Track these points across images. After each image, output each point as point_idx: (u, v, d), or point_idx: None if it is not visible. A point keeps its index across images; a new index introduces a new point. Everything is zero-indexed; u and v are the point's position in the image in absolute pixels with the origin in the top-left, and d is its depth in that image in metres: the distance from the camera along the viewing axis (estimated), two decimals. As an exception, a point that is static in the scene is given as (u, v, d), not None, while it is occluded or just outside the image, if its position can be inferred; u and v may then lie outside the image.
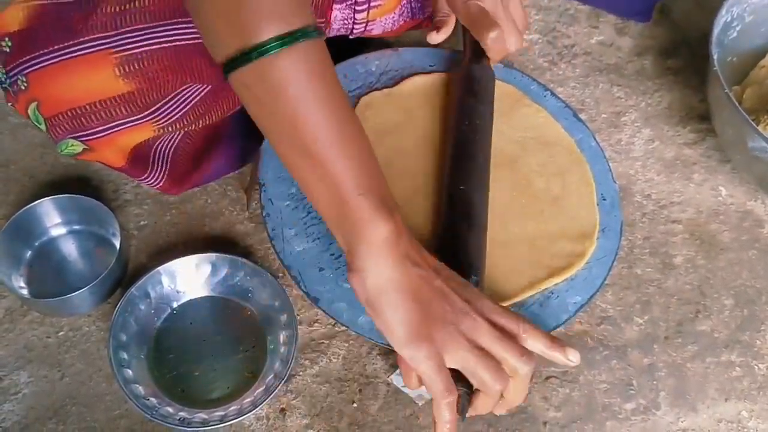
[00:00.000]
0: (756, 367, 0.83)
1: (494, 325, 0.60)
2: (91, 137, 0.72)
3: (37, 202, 0.81)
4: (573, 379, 0.80)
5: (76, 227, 0.85)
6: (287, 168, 0.59)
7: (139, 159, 0.78)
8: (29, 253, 0.83)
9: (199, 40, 0.70)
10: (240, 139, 0.87)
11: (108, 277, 0.78)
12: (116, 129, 0.73)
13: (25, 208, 0.81)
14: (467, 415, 0.61)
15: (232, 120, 0.84)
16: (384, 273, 0.56)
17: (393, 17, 0.88)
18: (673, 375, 0.82)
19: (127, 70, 0.69)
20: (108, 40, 0.67)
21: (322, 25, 0.81)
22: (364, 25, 0.85)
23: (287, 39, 0.53)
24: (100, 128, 0.72)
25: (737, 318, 0.86)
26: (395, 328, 0.57)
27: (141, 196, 0.89)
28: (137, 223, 0.87)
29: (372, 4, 0.83)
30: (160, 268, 0.79)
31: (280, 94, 0.54)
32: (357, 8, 0.82)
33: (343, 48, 0.92)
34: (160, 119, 0.74)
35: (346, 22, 0.84)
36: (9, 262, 0.80)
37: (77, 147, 0.74)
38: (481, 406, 0.61)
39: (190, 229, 0.87)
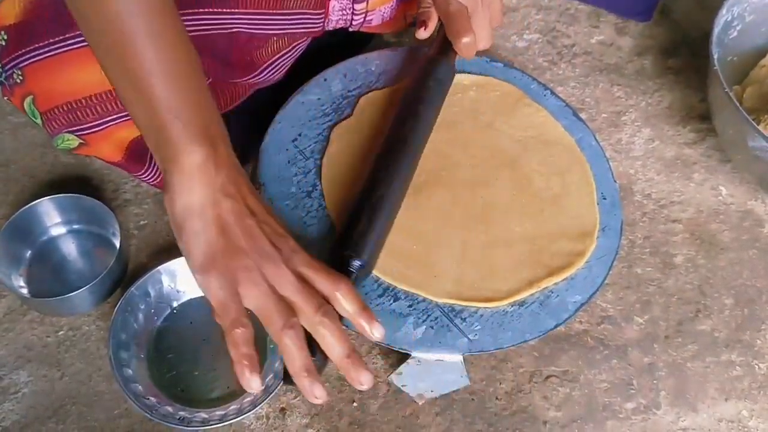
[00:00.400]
0: (756, 366, 0.83)
1: (303, 280, 0.58)
2: (86, 131, 0.72)
3: (36, 201, 0.82)
4: (573, 378, 0.80)
5: (76, 227, 0.85)
6: (115, 89, 0.59)
7: (137, 154, 0.77)
8: (29, 252, 0.83)
9: (198, 34, 0.70)
10: (239, 138, 0.87)
11: (108, 276, 0.78)
12: (112, 123, 0.72)
13: (25, 207, 0.81)
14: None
15: (231, 119, 0.84)
16: (192, 198, 0.56)
17: (392, 5, 0.88)
18: (673, 374, 0.82)
19: None
20: None
21: (321, 16, 0.81)
22: (363, 15, 0.85)
23: None
24: (96, 122, 0.72)
25: (737, 317, 0.86)
26: (194, 252, 0.56)
27: (141, 195, 0.89)
28: (137, 222, 0.87)
29: None
30: (160, 268, 0.79)
31: (113, 19, 0.55)
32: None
33: (343, 48, 0.92)
34: None
35: (344, 12, 0.84)
36: (9, 261, 0.80)
37: (73, 141, 0.73)
38: (286, 352, 0.57)
39: (190, 229, 0.87)
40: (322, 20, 0.81)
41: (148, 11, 0.56)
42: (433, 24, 0.83)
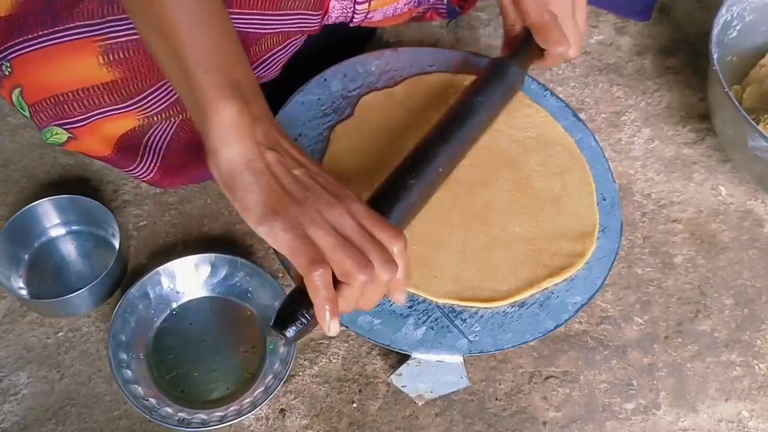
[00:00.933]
0: (756, 366, 0.83)
1: (363, 228, 0.56)
2: (74, 125, 0.72)
3: (36, 202, 0.81)
4: (573, 379, 0.80)
5: (75, 228, 0.85)
6: (147, 45, 0.58)
7: (128, 149, 0.77)
8: (28, 253, 0.83)
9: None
10: None
11: (107, 277, 0.78)
12: (99, 117, 0.72)
13: (24, 208, 0.81)
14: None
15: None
16: (234, 153, 0.55)
17: (396, 6, 0.87)
18: (673, 375, 0.82)
19: (110, 58, 0.68)
20: (92, 28, 0.67)
21: (319, 16, 0.81)
22: (364, 14, 0.85)
23: None
24: (83, 116, 0.71)
25: (737, 318, 0.86)
26: (251, 206, 0.54)
27: (140, 196, 0.89)
28: (136, 223, 0.87)
29: None
30: (159, 269, 0.79)
31: None
32: (357, 0, 0.82)
33: (343, 47, 0.92)
34: (146, 109, 0.74)
35: (345, 11, 0.83)
36: (8, 262, 0.80)
37: (62, 136, 0.73)
38: (343, 300, 0.55)
39: (189, 230, 0.87)
40: (320, 19, 0.81)
41: None
42: (516, 38, 0.80)
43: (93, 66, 0.69)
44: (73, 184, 0.89)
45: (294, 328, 0.56)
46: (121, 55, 0.69)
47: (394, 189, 0.66)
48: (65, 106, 0.71)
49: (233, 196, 0.55)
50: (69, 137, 0.74)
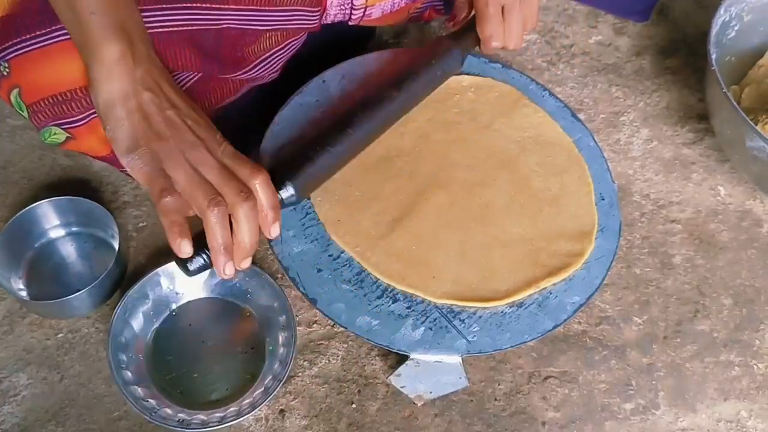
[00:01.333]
0: (755, 366, 0.83)
1: (226, 168, 0.60)
2: (72, 125, 0.72)
3: (35, 204, 0.82)
4: (572, 379, 0.81)
5: (75, 229, 0.85)
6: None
7: None
8: (28, 255, 0.83)
9: (185, 28, 0.70)
10: (237, 139, 0.86)
11: (107, 278, 0.78)
12: (96, 116, 0.72)
13: (24, 210, 0.81)
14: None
15: (226, 121, 0.84)
16: (113, 88, 0.60)
17: (393, 0, 0.87)
18: (672, 375, 0.82)
19: None
20: None
21: (317, 12, 0.81)
22: (362, 10, 0.85)
23: None
24: (81, 115, 0.71)
25: (736, 318, 0.86)
26: (119, 137, 0.60)
27: (140, 197, 0.89)
28: (136, 224, 0.87)
29: None
30: (158, 270, 0.79)
31: None
32: None
33: (342, 47, 0.92)
34: None
35: (343, 7, 0.83)
36: (8, 264, 0.81)
37: (60, 136, 0.73)
38: (210, 236, 0.59)
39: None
40: (318, 16, 0.81)
41: None
42: (463, 20, 0.84)
43: None
44: (72, 185, 0.90)
45: (194, 262, 0.63)
46: None
47: (303, 153, 0.70)
48: (64, 105, 0.71)
49: (106, 126, 0.61)
50: (67, 137, 0.73)
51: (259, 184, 0.61)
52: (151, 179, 0.59)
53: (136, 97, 0.60)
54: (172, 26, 0.70)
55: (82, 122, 0.72)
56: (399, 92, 0.77)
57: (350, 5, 0.83)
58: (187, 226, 0.59)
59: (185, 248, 0.60)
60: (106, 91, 0.61)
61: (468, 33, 0.82)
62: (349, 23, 0.86)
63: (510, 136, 0.85)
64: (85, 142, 0.75)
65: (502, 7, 0.79)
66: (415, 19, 0.95)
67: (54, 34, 0.67)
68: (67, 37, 0.67)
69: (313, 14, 0.80)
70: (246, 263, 0.62)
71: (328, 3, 0.81)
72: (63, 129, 0.73)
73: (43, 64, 0.68)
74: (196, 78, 0.75)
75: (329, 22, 0.85)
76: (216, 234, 0.59)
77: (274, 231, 0.62)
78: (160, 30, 0.69)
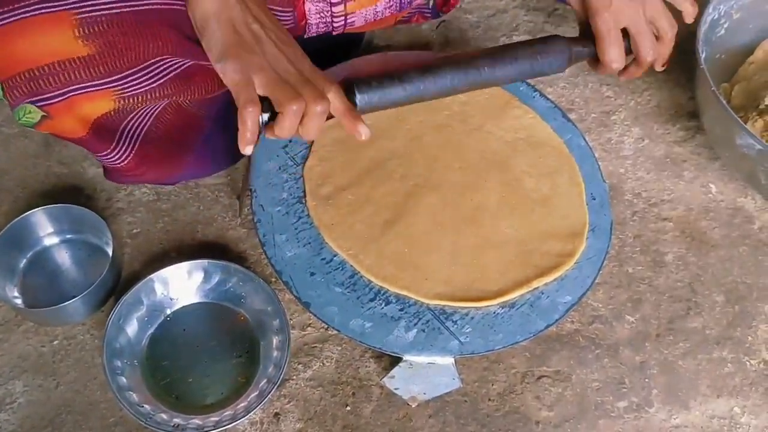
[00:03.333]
0: (748, 363, 0.83)
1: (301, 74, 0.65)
2: (49, 101, 0.71)
3: (29, 212, 0.82)
4: (565, 378, 0.81)
5: (69, 236, 0.85)
6: None
7: (104, 132, 0.76)
8: (23, 263, 0.84)
9: (166, 7, 0.70)
10: (217, 143, 0.87)
11: (101, 285, 0.78)
12: (75, 93, 0.71)
13: (18, 218, 0.82)
14: (268, 135, 0.65)
15: (214, 122, 0.84)
16: (207, 6, 0.65)
17: (375, 9, 0.87)
18: (664, 372, 0.82)
19: (86, 32, 0.68)
20: (68, 0, 0.67)
21: (291, 14, 0.81)
22: (343, 18, 0.85)
23: None
24: (58, 91, 0.71)
25: (728, 314, 0.86)
26: (213, 47, 0.65)
27: (134, 204, 0.90)
28: (130, 231, 0.88)
29: None
30: (152, 276, 0.79)
31: None
32: (332, 1, 0.82)
33: (332, 53, 0.92)
34: (124, 88, 0.73)
35: (323, 15, 0.83)
36: (3, 272, 0.81)
37: (35, 114, 0.72)
38: (278, 126, 0.64)
39: (182, 236, 0.88)
40: (292, 17, 0.81)
41: None
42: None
43: (68, 39, 0.68)
44: (66, 192, 0.90)
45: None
46: (97, 29, 0.68)
47: (378, 77, 0.71)
48: (40, 81, 0.69)
49: (201, 38, 0.66)
50: (43, 116, 0.72)
51: (333, 92, 0.66)
52: (238, 87, 0.63)
53: (227, 12, 0.65)
54: (152, 5, 0.70)
55: (60, 99, 0.71)
56: (490, 64, 0.74)
57: (329, 13, 0.83)
58: (258, 136, 0.63)
59: (248, 150, 0.64)
60: (201, 7, 0.65)
61: (584, 42, 0.78)
62: (334, 33, 0.87)
63: (501, 137, 0.85)
64: (62, 121, 0.73)
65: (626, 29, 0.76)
66: (403, 23, 0.95)
67: (31, 7, 0.66)
68: (45, 10, 0.66)
69: (287, 16, 0.80)
70: (362, 128, 0.66)
71: (307, 10, 0.81)
72: (38, 107, 0.71)
73: (19, 36, 0.67)
74: (180, 69, 0.75)
75: (314, 34, 0.85)
76: (285, 123, 0.63)
77: (363, 130, 0.66)
78: (139, 8, 0.70)
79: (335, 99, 0.66)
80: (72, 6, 0.67)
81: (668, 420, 0.79)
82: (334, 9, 0.82)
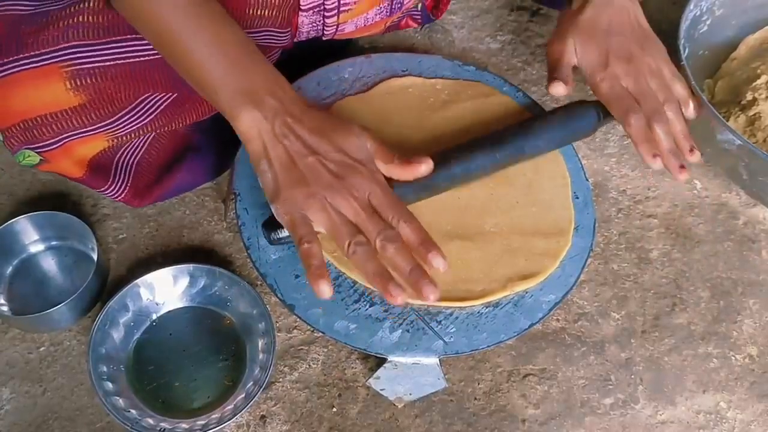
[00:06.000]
0: (733, 357, 0.84)
1: (369, 207, 0.63)
2: (45, 148, 0.73)
3: (13, 220, 0.82)
4: (551, 376, 0.81)
5: (54, 243, 0.85)
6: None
7: (100, 170, 0.78)
8: (9, 270, 0.84)
9: (156, 56, 0.71)
10: (208, 153, 0.87)
11: (86, 291, 0.79)
12: (69, 139, 0.73)
13: (3, 226, 0.82)
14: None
15: (202, 133, 0.85)
16: (253, 149, 0.64)
17: (367, 16, 0.88)
18: (650, 369, 0.83)
19: (77, 83, 0.70)
20: (58, 54, 0.68)
21: (287, 33, 0.81)
22: (334, 27, 0.86)
23: None
24: (53, 139, 0.73)
25: (713, 310, 0.87)
26: (265, 188, 0.64)
27: (119, 210, 0.90)
28: (116, 236, 0.88)
29: (342, 9, 0.83)
30: (137, 281, 0.79)
31: (149, 11, 0.64)
32: (326, 14, 0.83)
33: (317, 56, 0.92)
34: (116, 130, 0.75)
35: (315, 26, 0.84)
36: (-12, 280, 0.81)
37: (34, 158, 0.74)
38: (356, 265, 0.61)
39: (168, 241, 0.88)
40: (289, 35, 0.82)
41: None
42: (570, 87, 0.80)
43: (60, 91, 0.70)
44: (52, 199, 0.90)
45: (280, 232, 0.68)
46: (89, 81, 0.70)
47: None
48: (35, 131, 0.72)
49: (258, 179, 0.65)
50: (41, 159, 0.75)
51: (404, 224, 0.62)
52: (293, 225, 0.62)
53: (275, 150, 0.63)
54: (143, 56, 0.71)
55: (55, 146, 0.74)
56: (522, 140, 0.76)
57: (322, 23, 0.83)
58: (325, 268, 0.60)
59: (326, 292, 0.60)
60: (249, 150, 0.65)
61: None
62: (323, 38, 0.87)
63: (481, 123, 0.85)
64: (59, 164, 0.76)
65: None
66: (392, 28, 0.96)
67: (23, 61, 0.68)
68: (36, 64, 0.68)
69: (284, 34, 0.81)
70: (431, 289, 0.60)
71: (299, 22, 0.82)
72: (36, 152, 0.74)
73: (12, 90, 0.69)
74: (168, 101, 0.76)
75: (303, 39, 0.86)
76: (367, 269, 0.60)
77: (438, 263, 0.62)
78: (131, 60, 0.70)
79: (408, 228, 0.62)
80: (61, 59, 0.69)
81: (654, 416, 0.80)
82: (327, 20, 0.83)
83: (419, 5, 0.97)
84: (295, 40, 0.85)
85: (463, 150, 0.75)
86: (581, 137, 0.81)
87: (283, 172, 0.63)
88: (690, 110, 0.77)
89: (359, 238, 0.60)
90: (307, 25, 0.83)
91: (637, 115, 0.74)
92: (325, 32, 0.86)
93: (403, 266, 0.60)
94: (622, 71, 0.76)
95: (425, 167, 0.66)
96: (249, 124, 0.64)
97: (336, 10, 0.83)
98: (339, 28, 0.86)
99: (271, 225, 0.69)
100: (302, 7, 0.80)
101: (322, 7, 0.82)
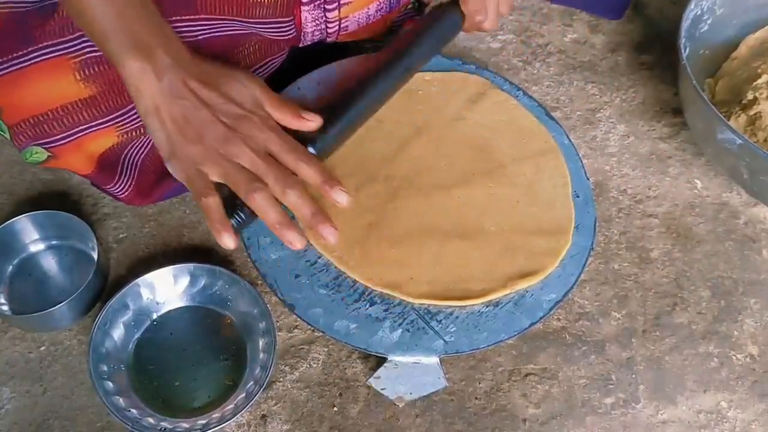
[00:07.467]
0: (734, 357, 0.84)
1: (267, 155, 0.63)
2: (54, 144, 0.73)
3: (14, 219, 0.82)
4: (552, 375, 0.81)
5: (55, 242, 0.85)
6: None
7: (108, 166, 0.78)
8: (9, 269, 0.84)
9: None
10: None
11: (86, 291, 0.79)
12: (80, 134, 0.73)
13: (4, 225, 0.82)
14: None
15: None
16: (143, 103, 0.63)
17: (367, 12, 0.88)
18: (651, 368, 0.82)
19: (86, 73, 0.69)
20: (66, 45, 0.68)
21: (290, 24, 0.81)
22: (337, 23, 0.86)
23: None
24: (64, 134, 0.72)
25: (714, 309, 0.87)
26: (159, 145, 0.64)
27: (120, 209, 0.90)
28: (116, 236, 0.88)
29: (342, 1, 0.83)
30: (138, 280, 0.79)
31: None
32: (327, 7, 0.83)
33: (319, 56, 0.92)
34: (125, 123, 0.75)
35: (318, 22, 0.84)
36: (-12, 280, 0.81)
37: (41, 155, 0.74)
38: (259, 213, 0.63)
39: (168, 240, 0.88)
40: (293, 28, 0.82)
41: None
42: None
43: (70, 83, 0.69)
44: (53, 199, 0.90)
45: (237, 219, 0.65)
46: (97, 69, 0.70)
47: (339, 107, 0.72)
48: (45, 126, 0.71)
49: (149, 134, 0.64)
50: (49, 156, 0.74)
51: (306, 166, 0.63)
52: (190, 181, 0.62)
53: (166, 108, 0.63)
54: None
55: (66, 141, 0.73)
56: (403, 58, 0.77)
57: (324, 18, 0.83)
58: (228, 221, 0.62)
59: (230, 242, 0.62)
60: (139, 105, 0.63)
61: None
62: (328, 40, 0.87)
63: (479, 121, 0.85)
64: (68, 160, 0.76)
65: None
66: (395, 30, 0.96)
67: (31, 55, 0.68)
68: (45, 57, 0.68)
69: (287, 25, 0.81)
70: (329, 230, 0.64)
71: (303, 19, 0.82)
72: (44, 148, 0.73)
73: (22, 85, 0.69)
74: None
75: (309, 43, 0.86)
76: (266, 214, 0.62)
77: (340, 198, 0.64)
78: None
79: (309, 169, 0.64)
80: (70, 50, 0.69)
81: (655, 415, 0.80)
82: (328, 15, 0.83)
83: (416, 4, 0.97)
84: (301, 44, 0.85)
85: (362, 85, 0.75)
86: (454, 37, 0.84)
87: (176, 132, 0.63)
88: None
89: (256, 184, 0.61)
90: (310, 22, 0.83)
91: (481, 16, 0.79)
92: (329, 30, 0.86)
93: (304, 210, 0.62)
94: None
95: (314, 124, 0.67)
96: (137, 75, 0.63)
97: (336, 2, 0.82)
98: (342, 26, 0.86)
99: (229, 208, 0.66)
100: (303, 1, 0.79)
101: (322, 1, 0.82)
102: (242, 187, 0.61)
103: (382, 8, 0.89)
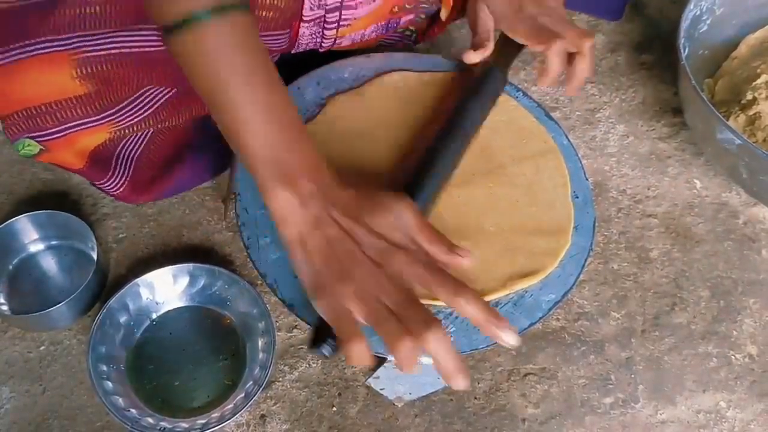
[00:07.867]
0: (733, 357, 0.84)
1: (411, 295, 0.60)
2: (47, 137, 0.72)
3: (13, 219, 0.82)
4: (551, 375, 0.81)
5: (54, 242, 0.85)
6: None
7: (100, 162, 0.78)
8: (8, 269, 0.84)
9: (161, 48, 0.70)
10: (208, 152, 0.87)
11: (86, 290, 0.79)
12: (73, 130, 0.73)
13: (3, 225, 0.82)
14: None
15: (201, 132, 0.85)
16: (288, 232, 0.61)
17: (364, 32, 0.88)
18: (650, 368, 0.82)
19: (84, 72, 0.69)
20: (66, 42, 0.68)
21: (286, 36, 0.81)
22: (332, 40, 0.86)
23: (217, 9, 0.58)
24: (56, 128, 0.72)
25: (713, 309, 0.87)
26: (303, 280, 0.62)
27: (119, 209, 0.90)
28: (116, 236, 0.88)
29: (342, 23, 0.84)
30: (137, 280, 0.79)
31: (204, 60, 0.59)
32: (326, 26, 0.83)
33: (317, 56, 0.93)
34: (120, 121, 0.74)
35: (314, 37, 0.84)
36: (-12, 279, 0.81)
37: (34, 148, 0.74)
38: (398, 363, 0.59)
39: (168, 240, 0.88)
40: (287, 39, 0.82)
41: (242, 58, 0.60)
42: (486, 50, 0.83)
43: (67, 79, 0.69)
44: (52, 199, 0.90)
45: (328, 348, 0.61)
46: (96, 69, 0.69)
47: (420, 178, 0.72)
48: (38, 119, 0.71)
49: (292, 264, 0.62)
50: (41, 149, 0.74)
51: (465, 300, 0.59)
52: (337, 321, 0.59)
53: (311, 240, 0.60)
54: (150, 47, 0.70)
55: (58, 135, 0.73)
56: (470, 122, 0.79)
57: (321, 35, 0.84)
58: (371, 363, 0.59)
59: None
60: (284, 234, 0.61)
61: (505, 50, 0.84)
62: (320, 50, 0.87)
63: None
64: (60, 155, 0.75)
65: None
66: (387, 45, 0.96)
67: (29, 47, 0.68)
68: (44, 50, 0.68)
69: (282, 37, 0.81)
70: (464, 381, 0.59)
71: (300, 33, 0.82)
72: (37, 141, 0.73)
73: (18, 76, 0.69)
74: (170, 95, 0.76)
75: (301, 51, 0.86)
76: (402, 365, 0.58)
77: (510, 338, 0.60)
78: (137, 50, 0.70)
79: (468, 305, 0.59)
80: (71, 47, 0.68)
81: (654, 415, 0.80)
82: (326, 33, 0.83)
83: (413, 35, 0.97)
84: (293, 51, 0.85)
85: (438, 157, 0.75)
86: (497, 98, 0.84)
87: (323, 265, 0.60)
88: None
89: (404, 337, 0.57)
90: (306, 36, 0.83)
91: (562, 40, 0.79)
92: (323, 44, 0.86)
93: (451, 365, 0.58)
94: (536, 12, 0.81)
95: (467, 261, 0.64)
96: (282, 204, 0.61)
97: (336, 24, 0.83)
98: (336, 42, 0.87)
99: (318, 336, 0.63)
100: (304, 18, 0.80)
101: (323, 20, 0.82)
102: (389, 337, 0.58)
103: (378, 30, 0.89)
